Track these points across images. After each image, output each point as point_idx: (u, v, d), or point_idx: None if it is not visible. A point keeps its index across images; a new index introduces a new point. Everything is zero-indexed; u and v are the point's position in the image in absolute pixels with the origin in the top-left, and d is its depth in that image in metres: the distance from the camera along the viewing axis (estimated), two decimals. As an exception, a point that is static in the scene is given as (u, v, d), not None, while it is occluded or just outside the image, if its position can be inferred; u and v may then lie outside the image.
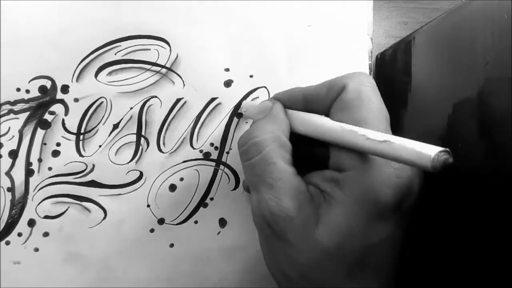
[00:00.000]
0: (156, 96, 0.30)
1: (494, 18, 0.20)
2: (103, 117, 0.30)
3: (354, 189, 0.21)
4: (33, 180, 0.29)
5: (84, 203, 0.30)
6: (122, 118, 0.30)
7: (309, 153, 0.26)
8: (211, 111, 0.31)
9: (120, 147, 0.30)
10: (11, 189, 0.29)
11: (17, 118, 0.29)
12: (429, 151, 0.17)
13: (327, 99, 0.24)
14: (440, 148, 0.17)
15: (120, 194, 0.30)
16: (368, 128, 0.21)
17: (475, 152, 0.21)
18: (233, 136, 0.31)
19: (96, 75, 0.30)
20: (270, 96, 0.30)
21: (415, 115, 0.28)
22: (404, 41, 0.30)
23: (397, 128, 0.29)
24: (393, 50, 0.31)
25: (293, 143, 0.25)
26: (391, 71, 0.31)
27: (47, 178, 0.29)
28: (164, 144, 0.30)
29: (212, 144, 0.31)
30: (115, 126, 0.30)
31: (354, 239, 0.21)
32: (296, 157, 0.24)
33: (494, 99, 0.20)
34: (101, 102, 0.30)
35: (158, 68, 0.30)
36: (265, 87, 0.31)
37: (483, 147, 0.21)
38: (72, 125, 0.30)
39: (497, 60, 0.20)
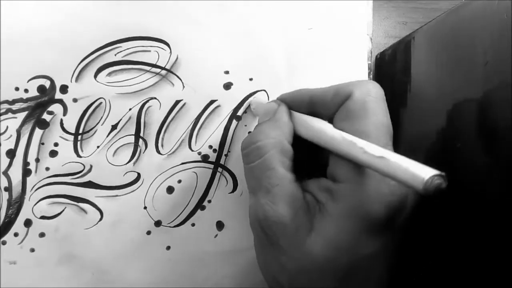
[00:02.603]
0: (155, 98, 0.30)
1: (493, 18, 0.20)
2: (101, 117, 0.30)
3: (346, 203, 0.21)
4: (30, 180, 0.29)
5: (80, 204, 0.30)
6: (121, 119, 0.30)
7: (311, 157, 0.26)
8: (210, 113, 0.31)
9: (118, 148, 0.30)
10: (8, 189, 0.29)
11: (15, 118, 0.29)
12: (423, 174, 0.17)
13: (332, 105, 0.24)
14: (435, 172, 0.17)
15: (117, 196, 0.30)
16: (369, 140, 0.21)
17: (474, 152, 0.21)
18: (231, 138, 0.31)
19: (95, 76, 0.29)
20: (269, 100, 0.30)
21: (414, 115, 0.28)
22: (403, 41, 0.30)
23: (396, 128, 0.29)
24: (392, 50, 0.31)
25: (296, 145, 0.25)
26: (391, 71, 0.31)
27: (44, 178, 0.29)
28: (162, 145, 0.30)
29: (210, 147, 0.31)
30: (114, 127, 0.30)
31: (344, 253, 0.21)
32: (298, 161, 0.24)
33: (495, 101, 0.20)
34: (100, 103, 0.30)
35: (158, 70, 0.30)
36: (264, 90, 0.31)
37: (482, 147, 0.21)
38: (71, 125, 0.29)
39: (496, 60, 0.20)
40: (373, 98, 0.23)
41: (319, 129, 0.23)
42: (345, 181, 0.22)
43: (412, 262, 0.27)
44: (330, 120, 0.24)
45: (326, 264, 0.21)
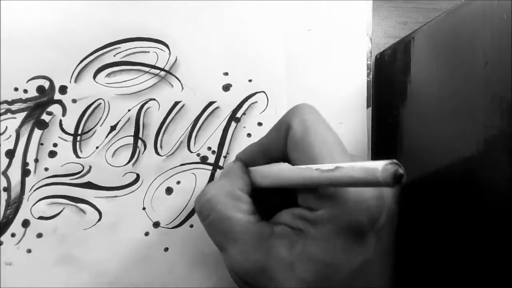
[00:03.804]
0: (154, 99, 0.30)
1: (493, 18, 0.20)
2: (100, 118, 0.30)
3: (327, 225, 0.21)
4: (29, 180, 0.29)
5: (79, 205, 0.30)
6: (120, 120, 0.30)
7: (280, 199, 0.25)
8: (209, 115, 0.31)
9: (117, 149, 0.30)
10: (7, 189, 0.29)
11: (14, 118, 0.29)
12: (376, 165, 0.17)
13: (280, 143, 0.24)
14: (387, 161, 0.17)
15: (116, 196, 0.30)
16: (324, 161, 0.21)
17: (474, 153, 0.21)
18: (230, 140, 0.31)
19: (94, 77, 0.30)
20: (268, 103, 0.31)
21: (414, 115, 0.28)
22: (403, 41, 0.30)
23: (396, 128, 0.29)
24: (392, 50, 0.31)
25: (264, 195, 0.24)
26: (391, 71, 0.31)
27: (43, 179, 0.29)
28: (161, 147, 0.30)
29: (209, 148, 0.31)
30: (113, 128, 0.30)
31: (335, 269, 0.21)
32: (266, 206, 0.24)
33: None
34: (99, 104, 0.30)
35: (157, 71, 0.30)
36: (263, 91, 0.31)
37: (482, 147, 0.21)
38: (70, 126, 0.30)
39: (496, 60, 0.20)
40: (310, 119, 0.23)
41: (277, 172, 0.23)
42: (320, 208, 0.21)
43: (414, 262, 0.27)
44: (286, 160, 0.24)
45: (323, 283, 0.21)
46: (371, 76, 0.32)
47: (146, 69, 0.30)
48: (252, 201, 0.24)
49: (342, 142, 0.23)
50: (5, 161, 0.29)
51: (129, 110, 0.30)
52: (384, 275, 0.22)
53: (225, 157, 0.31)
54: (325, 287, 0.21)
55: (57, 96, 0.29)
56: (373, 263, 0.22)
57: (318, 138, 0.22)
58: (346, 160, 0.21)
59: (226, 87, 0.31)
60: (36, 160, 0.29)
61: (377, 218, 0.21)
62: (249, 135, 0.31)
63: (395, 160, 0.17)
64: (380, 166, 0.17)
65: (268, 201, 0.25)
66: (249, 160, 0.26)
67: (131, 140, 0.30)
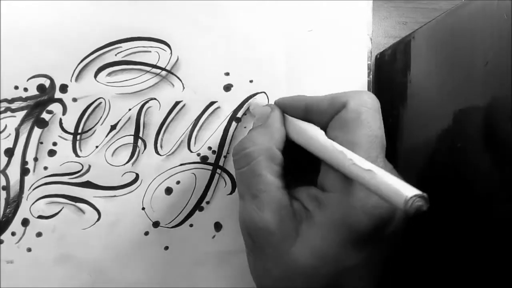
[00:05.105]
0: (155, 98, 0.30)
1: (493, 18, 0.20)
2: (101, 117, 0.30)
3: (333, 212, 0.21)
4: (29, 179, 0.29)
5: (78, 204, 0.30)
6: (120, 119, 0.30)
7: (303, 163, 0.26)
8: (209, 114, 0.31)
9: (117, 148, 0.30)
10: (6, 188, 0.29)
11: (14, 116, 0.29)
12: (405, 192, 0.17)
13: (327, 114, 0.24)
14: (417, 192, 0.17)
15: (115, 196, 0.30)
16: (360, 152, 0.21)
17: (475, 152, 0.21)
18: (231, 140, 0.31)
19: (95, 76, 0.29)
20: (269, 102, 0.31)
21: (414, 115, 0.28)
22: (403, 41, 0.30)
23: (396, 128, 0.29)
24: (392, 50, 0.31)
25: (289, 150, 0.25)
26: (391, 71, 0.31)
27: (42, 178, 0.29)
28: (161, 146, 0.30)
29: (209, 148, 0.31)
30: (113, 127, 0.30)
31: (328, 262, 0.21)
32: (289, 166, 0.24)
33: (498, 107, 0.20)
34: (100, 103, 0.30)
35: (158, 71, 0.30)
36: (264, 92, 0.31)
37: (484, 146, 0.21)
38: (70, 125, 0.29)
39: (496, 60, 0.20)
40: (368, 110, 0.23)
41: (312, 136, 0.23)
42: (333, 190, 0.22)
43: (412, 269, 0.27)
44: (324, 128, 0.24)
45: (309, 272, 0.21)
46: (371, 76, 0.32)
47: (147, 68, 0.30)
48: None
49: (385, 145, 0.23)
50: (4, 159, 0.29)
51: (129, 110, 0.30)
52: (371, 284, 0.22)
53: (225, 157, 0.31)
54: (310, 275, 0.21)
55: (58, 94, 0.29)
56: (366, 270, 0.22)
57: (366, 130, 0.22)
58: (380, 164, 0.21)
59: (227, 87, 0.31)
60: (36, 159, 0.29)
61: (382, 229, 0.21)
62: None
63: (425, 195, 0.17)
64: (409, 194, 0.16)
65: (295, 155, 0.25)
66: (289, 109, 0.26)
67: (131, 139, 0.30)
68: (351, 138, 0.22)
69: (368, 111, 0.23)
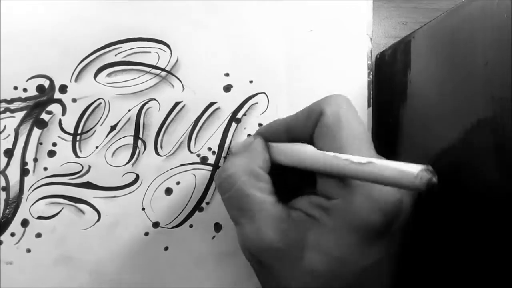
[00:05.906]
0: (155, 99, 0.30)
1: (493, 18, 0.20)
2: (100, 118, 0.30)
3: (343, 217, 0.21)
4: (28, 180, 0.29)
5: (78, 205, 0.29)
6: (120, 120, 0.30)
7: (296, 180, 0.26)
8: (209, 115, 0.31)
9: (117, 149, 0.30)
10: (5, 188, 0.29)
11: (14, 117, 0.29)
12: (411, 169, 0.17)
13: (307, 127, 0.24)
14: (423, 166, 0.17)
15: (115, 197, 0.30)
16: (352, 152, 0.21)
17: (474, 153, 0.21)
18: (231, 141, 0.31)
19: (95, 76, 0.29)
20: (269, 104, 0.31)
21: (414, 115, 0.28)
22: (403, 41, 0.30)
23: (396, 128, 0.29)
24: (392, 50, 0.31)
25: (280, 172, 0.25)
26: (391, 71, 0.31)
27: (42, 178, 0.29)
28: (161, 147, 0.30)
29: (209, 149, 0.31)
30: (113, 128, 0.30)
31: (346, 264, 0.21)
32: (283, 185, 0.24)
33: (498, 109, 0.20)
34: (99, 103, 0.30)
35: (158, 71, 0.30)
36: (264, 93, 0.31)
37: (483, 146, 0.21)
38: (69, 126, 0.29)
39: (496, 60, 0.20)
40: (345, 110, 0.23)
41: (300, 153, 0.23)
42: (338, 197, 0.22)
43: (418, 265, 0.27)
44: (309, 142, 0.24)
45: (329, 275, 0.21)
46: (371, 76, 0.32)
47: (147, 69, 0.30)
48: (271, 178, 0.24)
49: (371, 138, 0.23)
50: (4, 160, 0.29)
51: (129, 110, 0.30)
52: (390, 277, 0.22)
53: (225, 157, 0.31)
54: (331, 280, 0.21)
55: (57, 95, 0.29)
56: (384, 264, 0.22)
57: (350, 129, 0.22)
58: (374, 157, 0.21)
59: (227, 88, 0.31)
60: (35, 160, 0.29)
61: (394, 221, 0.21)
62: (249, 136, 0.31)
63: (430, 167, 0.17)
64: (415, 170, 0.17)
65: (285, 178, 0.25)
66: (271, 136, 0.26)
67: (131, 140, 0.30)
68: (338, 142, 0.22)
69: (346, 112, 0.23)
